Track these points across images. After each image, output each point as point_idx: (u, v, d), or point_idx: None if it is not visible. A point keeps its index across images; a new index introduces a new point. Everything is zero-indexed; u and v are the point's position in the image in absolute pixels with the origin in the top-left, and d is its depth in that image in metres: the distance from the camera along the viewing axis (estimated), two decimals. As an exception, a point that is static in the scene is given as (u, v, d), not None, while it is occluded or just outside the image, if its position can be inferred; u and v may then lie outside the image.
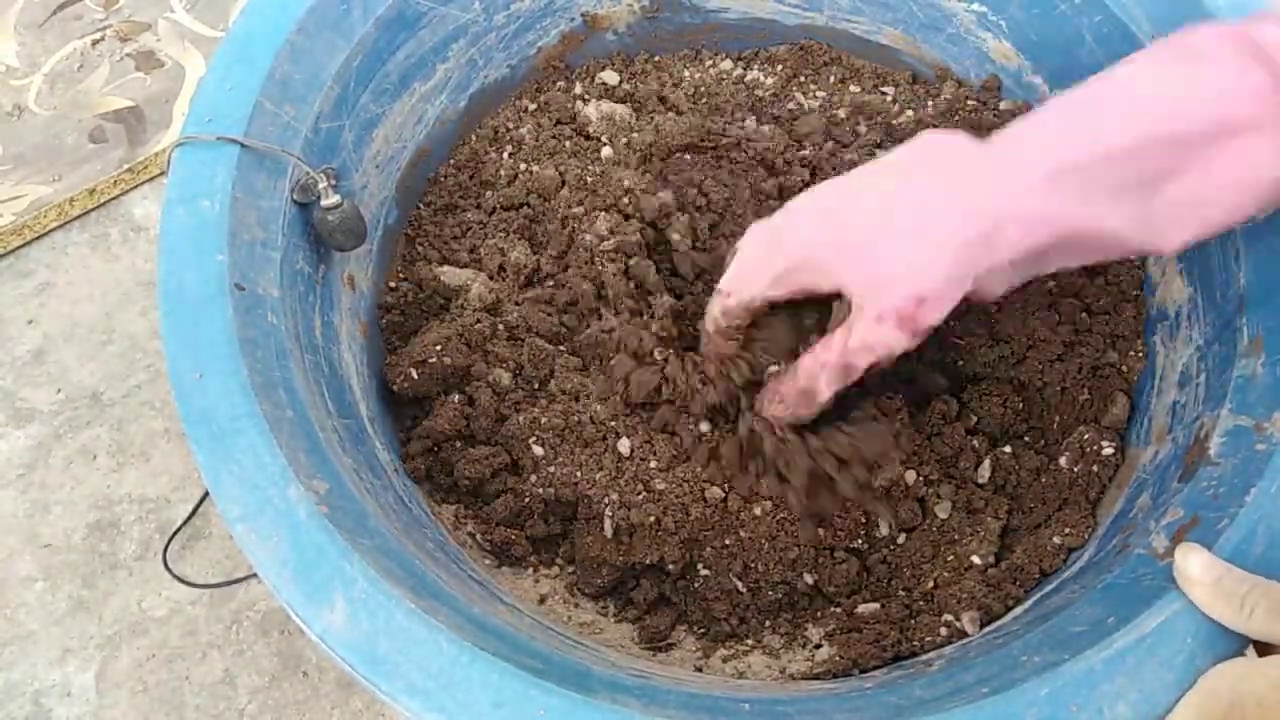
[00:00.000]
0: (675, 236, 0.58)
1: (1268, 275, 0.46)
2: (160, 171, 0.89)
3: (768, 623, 0.51)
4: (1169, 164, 0.40)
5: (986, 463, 0.55)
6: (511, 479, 0.54)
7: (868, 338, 0.43)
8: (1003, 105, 0.64)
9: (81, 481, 0.76)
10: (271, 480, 0.39)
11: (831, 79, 0.68)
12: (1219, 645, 0.36)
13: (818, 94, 0.68)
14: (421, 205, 0.63)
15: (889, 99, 0.67)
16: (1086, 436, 0.53)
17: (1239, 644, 0.37)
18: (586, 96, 0.68)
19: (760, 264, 0.46)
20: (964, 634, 0.48)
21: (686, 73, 0.70)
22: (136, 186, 0.88)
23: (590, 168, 0.63)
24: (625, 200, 0.60)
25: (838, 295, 0.45)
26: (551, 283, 0.60)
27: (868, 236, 0.43)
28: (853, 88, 0.68)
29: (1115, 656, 0.37)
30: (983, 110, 0.64)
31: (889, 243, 0.42)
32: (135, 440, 0.77)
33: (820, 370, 0.45)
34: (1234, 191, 0.41)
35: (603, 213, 0.59)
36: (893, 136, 0.65)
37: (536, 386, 0.56)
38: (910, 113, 0.65)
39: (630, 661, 0.47)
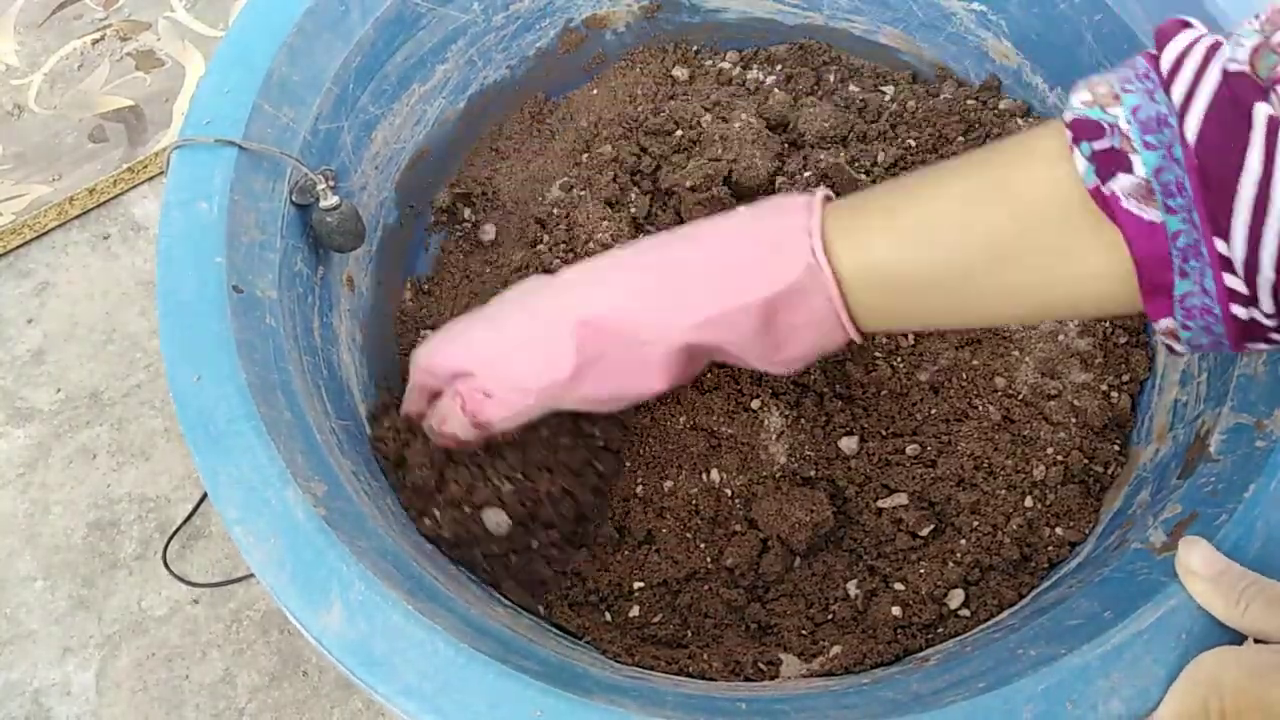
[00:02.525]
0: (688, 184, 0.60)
1: (1266, 274, 0.46)
2: (160, 171, 0.89)
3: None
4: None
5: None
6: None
7: (447, 410, 0.46)
8: (1002, 105, 0.64)
9: (81, 481, 0.76)
10: (269, 482, 0.39)
11: (831, 78, 0.68)
12: (1214, 640, 0.36)
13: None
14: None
15: (888, 98, 0.67)
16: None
17: (1233, 639, 0.37)
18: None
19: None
20: (965, 622, 0.49)
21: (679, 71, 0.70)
22: (136, 186, 0.88)
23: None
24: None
25: None
26: None
27: (473, 338, 0.47)
28: (852, 87, 0.68)
29: (1111, 652, 0.37)
30: (982, 110, 0.64)
31: (481, 338, 0.46)
32: (135, 440, 0.77)
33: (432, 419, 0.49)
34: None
35: (604, 221, 0.59)
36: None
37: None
38: (912, 103, 0.66)
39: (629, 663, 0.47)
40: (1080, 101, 0.35)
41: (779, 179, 0.62)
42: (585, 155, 0.67)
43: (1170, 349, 0.37)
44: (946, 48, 0.65)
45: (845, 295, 0.40)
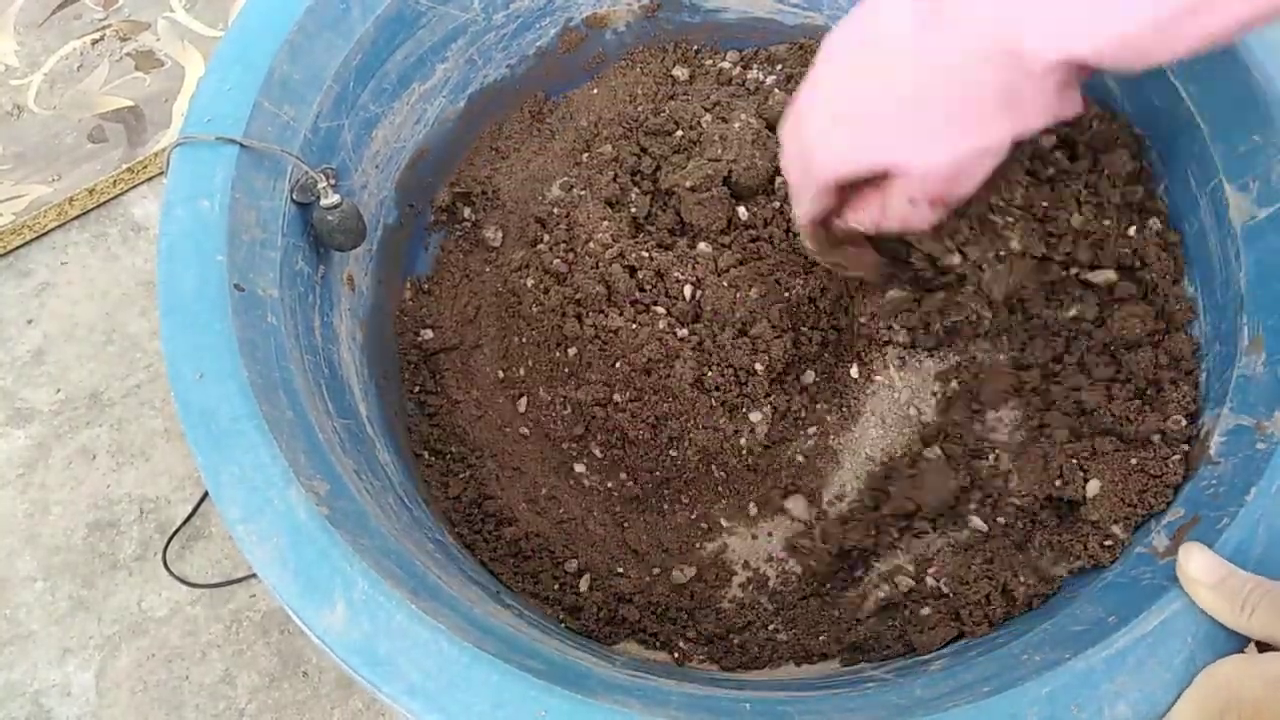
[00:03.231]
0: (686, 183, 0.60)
1: (1268, 275, 0.46)
2: (160, 171, 0.88)
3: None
4: None
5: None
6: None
7: (902, 213, 0.44)
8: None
9: (81, 481, 0.75)
10: (271, 481, 0.39)
11: (831, 78, 0.68)
12: (1219, 644, 0.37)
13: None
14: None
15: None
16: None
17: (1239, 643, 0.37)
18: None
19: (802, 189, 0.47)
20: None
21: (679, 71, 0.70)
22: (136, 186, 0.88)
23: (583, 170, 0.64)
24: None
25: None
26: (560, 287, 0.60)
27: (884, 131, 0.42)
28: (852, 86, 0.68)
29: (1116, 656, 0.37)
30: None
31: (906, 132, 0.41)
32: (135, 440, 0.77)
33: (853, 221, 0.47)
34: None
35: (604, 221, 0.59)
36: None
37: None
38: None
39: (632, 662, 0.47)
40: None
41: (779, 179, 0.62)
42: (585, 155, 0.67)
43: None
44: (947, 48, 0.65)
45: None
